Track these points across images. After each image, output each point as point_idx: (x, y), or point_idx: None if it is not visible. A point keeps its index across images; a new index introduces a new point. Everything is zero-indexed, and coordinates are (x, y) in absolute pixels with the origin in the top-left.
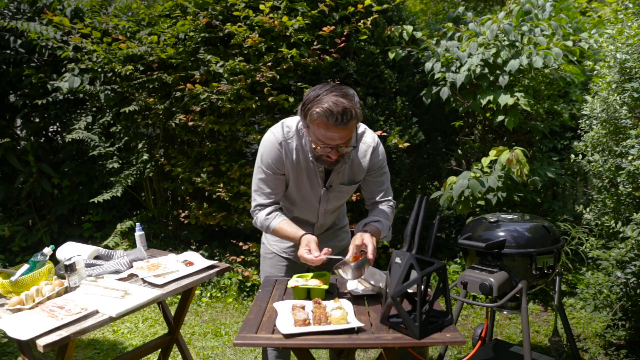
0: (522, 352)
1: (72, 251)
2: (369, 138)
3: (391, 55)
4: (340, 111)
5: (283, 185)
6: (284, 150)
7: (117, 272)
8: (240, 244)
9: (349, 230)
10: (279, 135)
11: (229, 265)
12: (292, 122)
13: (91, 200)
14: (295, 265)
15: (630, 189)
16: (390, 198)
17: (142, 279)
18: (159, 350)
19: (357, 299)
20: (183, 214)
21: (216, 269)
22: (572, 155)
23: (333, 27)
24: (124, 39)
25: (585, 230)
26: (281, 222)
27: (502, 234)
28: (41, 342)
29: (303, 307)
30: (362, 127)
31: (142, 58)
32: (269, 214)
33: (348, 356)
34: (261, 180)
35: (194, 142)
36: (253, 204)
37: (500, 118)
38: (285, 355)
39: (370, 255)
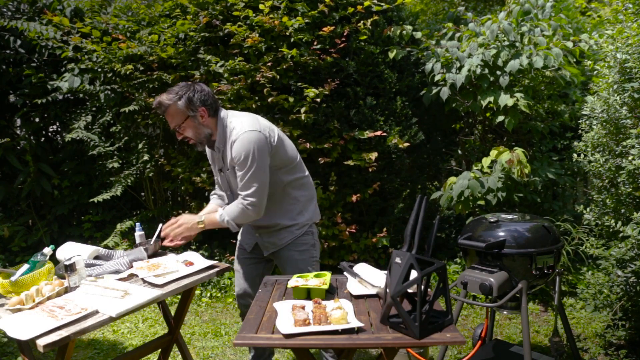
0: (522, 352)
1: (72, 251)
2: (234, 134)
3: (391, 55)
4: (156, 105)
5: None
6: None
7: (117, 272)
8: None
9: (294, 231)
10: None
11: (229, 265)
12: None
13: (91, 200)
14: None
15: (631, 189)
16: (244, 194)
17: (142, 279)
18: (159, 350)
19: (357, 299)
20: None
21: (216, 269)
22: (575, 155)
23: (333, 27)
24: (124, 38)
25: (586, 230)
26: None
27: (502, 234)
28: (41, 342)
29: (303, 307)
30: (233, 123)
31: (142, 58)
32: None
33: (348, 356)
34: None
35: None
36: None
37: (500, 118)
38: None
39: (162, 234)
